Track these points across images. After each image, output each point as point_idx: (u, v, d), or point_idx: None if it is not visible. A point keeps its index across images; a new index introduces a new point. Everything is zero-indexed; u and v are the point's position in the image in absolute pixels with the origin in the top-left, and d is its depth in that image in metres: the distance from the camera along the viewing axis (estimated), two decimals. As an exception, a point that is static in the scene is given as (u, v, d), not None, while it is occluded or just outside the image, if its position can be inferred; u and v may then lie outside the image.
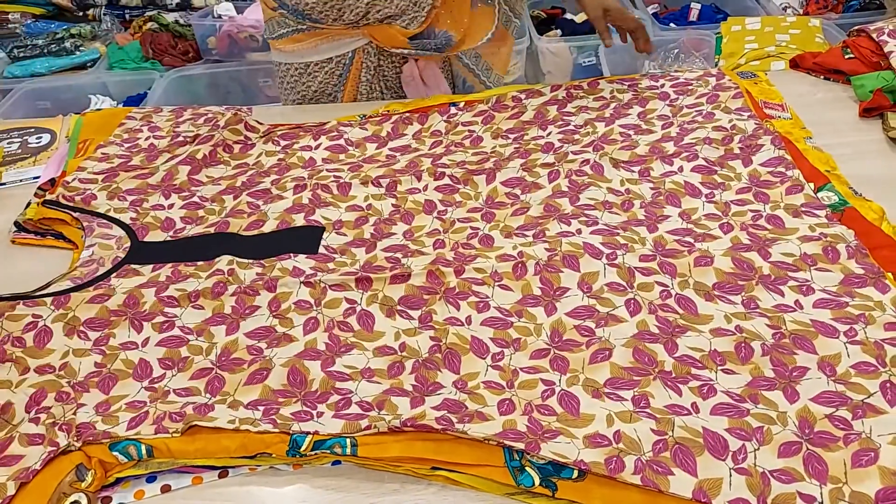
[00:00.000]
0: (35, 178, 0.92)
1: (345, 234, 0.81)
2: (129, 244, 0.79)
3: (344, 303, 0.72)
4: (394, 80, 1.10)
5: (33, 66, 2.01)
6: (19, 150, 0.99)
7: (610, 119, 0.96)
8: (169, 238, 0.81)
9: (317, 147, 0.96)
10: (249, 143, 0.97)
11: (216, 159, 0.93)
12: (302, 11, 1.02)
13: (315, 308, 0.71)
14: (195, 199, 0.87)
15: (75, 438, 0.57)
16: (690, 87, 1.00)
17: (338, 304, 0.71)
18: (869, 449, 0.55)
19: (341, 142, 0.97)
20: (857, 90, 0.97)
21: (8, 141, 1.01)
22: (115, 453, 0.57)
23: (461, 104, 1.03)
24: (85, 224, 0.81)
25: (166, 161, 0.92)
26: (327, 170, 0.91)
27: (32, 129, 1.04)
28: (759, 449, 0.55)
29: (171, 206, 0.85)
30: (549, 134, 0.95)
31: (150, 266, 0.76)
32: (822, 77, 1.04)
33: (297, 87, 1.10)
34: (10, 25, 2.16)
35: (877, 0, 1.90)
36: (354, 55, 1.06)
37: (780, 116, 0.94)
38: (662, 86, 1.02)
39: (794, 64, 1.07)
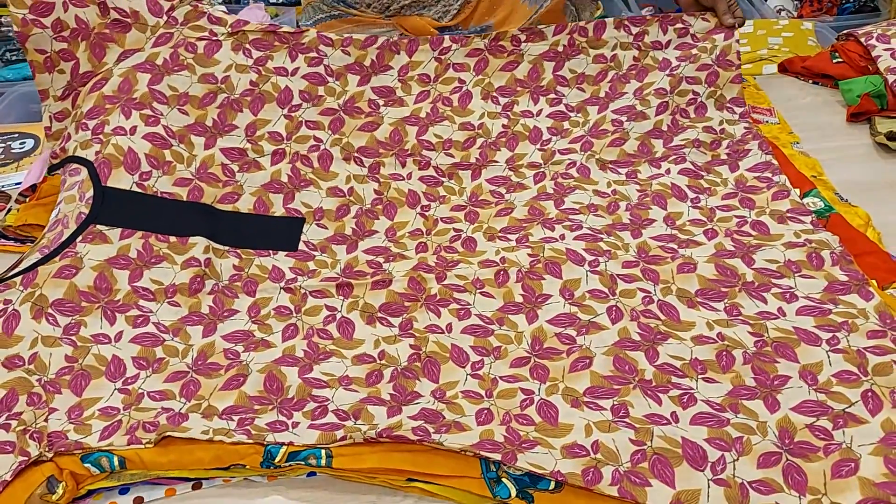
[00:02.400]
0: (17, 183, 0.91)
1: (325, 227, 0.79)
2: (91, 193, 0.73)
3: (324, 310, 0.71)
4: None
5: (26, 70, 2.00)
6: (2, 156, 0.98)
7: (604, 102, 0.91)
8: (135, 185, 0.75)
9: (294, 73, 0.87)
10: (215, 39, 0.85)
11: (179, 63, 0.83)
12: None
13: (295, 315, 0.70)
14: (160, 128, 0.79)
15: (47, 448, 0.56)
16: (694, 52, 0.91)
17: (318, 312, 0.71)
18: (849, 459, 0.54)
19: (320, 69, 0.89)
20: (844, 94, 0.96)
21: (-9, 146, 1.00)
22: (87, 465, 0.56)
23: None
24: (61, 178, 0.77)
25: (118, 62, 0.82)
26: (306, 122, 0.85)
27: (16, 135, 1.03)
28: (738, 459, 0.55)
29: (133, 129, 0.77)
30: (540, 113, 0.91)
31: (119, 231, 0.72)
32: (810, 81, 1.04)
33: None
34: (2, 29, 2.16)
35: (871, 3, 1.90)
36: None
37: (767, 121, 0.93)
38: (668, 43, 0.93)
39: (783, 68, 1.07)
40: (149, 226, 0.73)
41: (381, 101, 0.89)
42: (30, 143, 1.01)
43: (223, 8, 2.17)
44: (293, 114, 0.86)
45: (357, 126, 0.87)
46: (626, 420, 0.58)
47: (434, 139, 0.88)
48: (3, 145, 1.00)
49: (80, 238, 0.70)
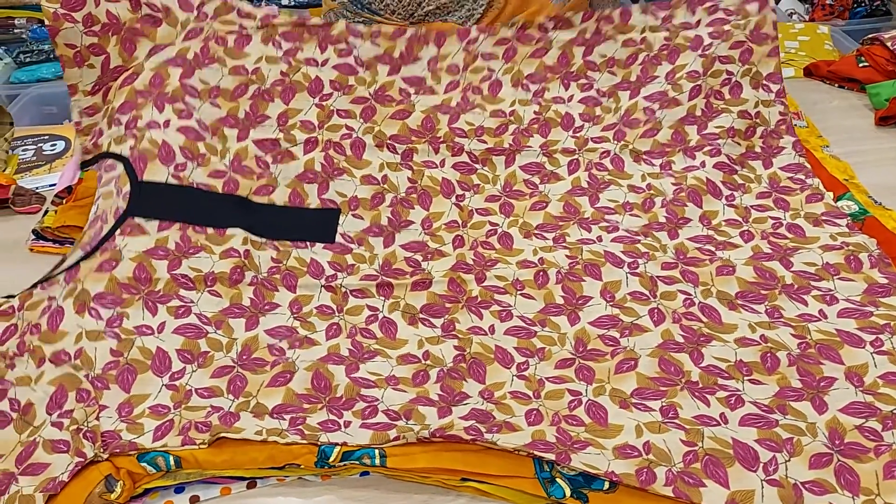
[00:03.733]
0: (51, 185, 0.92)
1: (361, 218, 0.80)
2: (128, 188, 0.73)
3: (366, 310, 0.71)
4: None
5: (39, 72, 2.00)
6: (34, 158, 0.98)
7: (635, 87, 0.90)
8: (171, 177, 0.75)
9: (324, 63, 0.88)
10: (245, 33, 0.86)
11: (209, 56, 0.84)
12: (361, 0, 1.03)
13: (337, 314, 0.71)
14: (193, 122, 0.79)
15: (101, 449, 0.57)
16: (727, 29, 0.89)
17: (360, 312, 0.71)
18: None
19: (350, 60, 0.89)
20: (872, 98, 0.97)
21: (22, 148, 1.01)
22: (144, 464, 0.56)
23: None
24: (98, 175, 0.77)
25: (148, 56, 0.82)
26: (337, 111, 0.86)
27: (46, 136, 1.03)
28: (789, 460, 0.55)
29: (166, 122, 0.77)
30: (571, 99, 0.90)
31: (156, 223, 0.72)
32: (836, 85, 1.04)
33: None
34: (15, 31, 2.16)
35: (883, 7, 1.91)
36: None
37: (795, 124, 0.94)
38: (698, 23, 0.91)
39: (808, 72, 1.08)
40: (186, 217, 0.73)
41: (411, 90, 0.90)
42: (61, 144, 1.01)
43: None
44: (324, 102, 0.86)
45: (389, 114, 0.87)
46: (676, 421, 0.59)
47: (466, 126, 0.88)
48: (34, 147, 1.01)
49: (118, 231, 0.70)
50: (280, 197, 0.79)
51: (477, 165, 0.85)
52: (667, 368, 0.64)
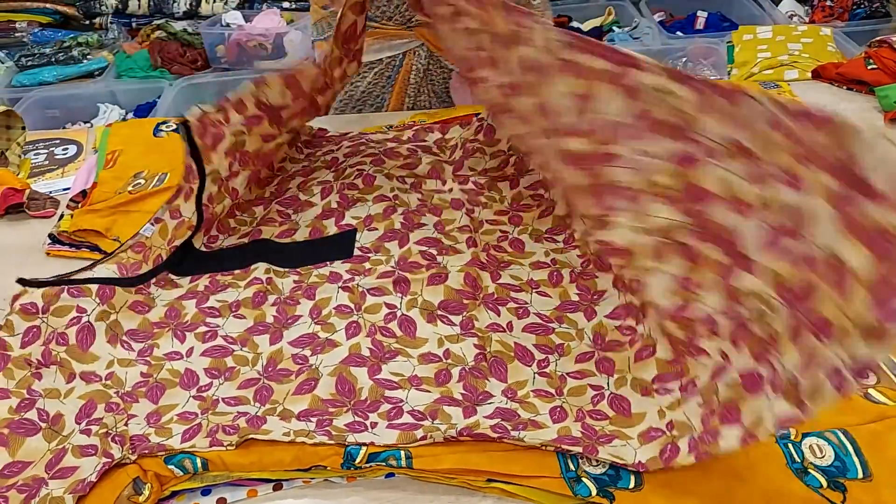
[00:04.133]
0: (65, 189, 0.92)
1: (376, 229, 0.81)
2: (178, 242, 0.77)
3: (384, 307, 0.72)
4: (441, 84, 1.12)
5: (41, 75, 2.00)
6: (46, 162, 0.98)
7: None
8: (203, 247, 0.80)
9: (338, 149, 0.95)
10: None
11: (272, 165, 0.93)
12: None
13: (356, 313, 0.71)
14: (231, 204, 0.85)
15: (130, 451, 0.57)
16: None
17: (378, 310, 0.72)
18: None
19: (362, 140, 0.97)
20: (881, 101, 0.98)
21: (34, 152, 1.01)
22: (171, 466, 0.56)
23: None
24: (185, 175, 0.78)
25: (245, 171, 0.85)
26: (350, 165, 0.90)
27: (58, 141, 1.03)
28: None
29: (236, 192, 0.84)
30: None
31: (188, 277, 0.76)
32: (844, 87, 1.05)
33: (346, 86, 1.10)
34: (17, 34, 2.16)
35: (882, 8, 1.92)
36: (404, 57, 1.08)
37: (806, 126, 0.94)
38: None
39: (816, 74, 1.08)
40: (215, 270, 0.78)
41: (419, 151, 0.94)
42: (72, 149, 1.01)
43: (238, 13, 2.18)
44: (339, 166, 0.92)
45: (398, 164, 0.91)
46: (696, 392, 0.59)
47: (469, 172, 0.90)
48: (45, 151, 1.01)
49: (153, 280, 0.74)
50: (301, 236, 0.82)
51: (484, 190, 0.88)
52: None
